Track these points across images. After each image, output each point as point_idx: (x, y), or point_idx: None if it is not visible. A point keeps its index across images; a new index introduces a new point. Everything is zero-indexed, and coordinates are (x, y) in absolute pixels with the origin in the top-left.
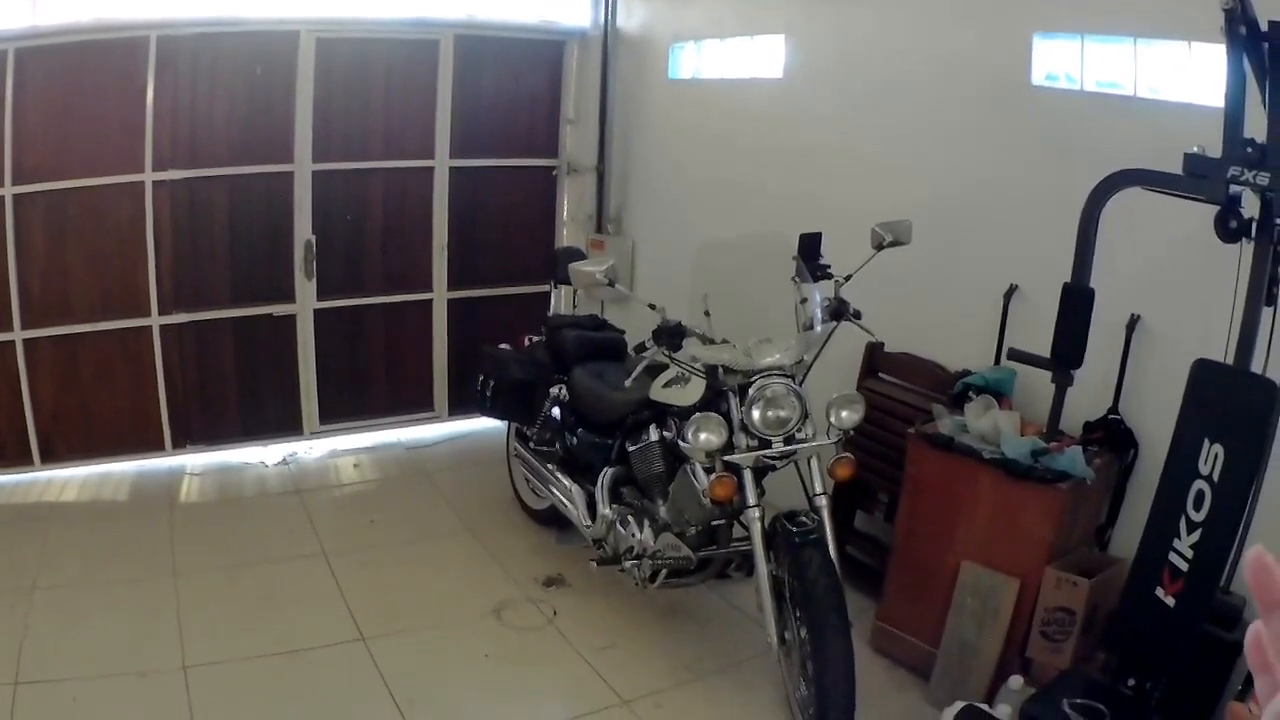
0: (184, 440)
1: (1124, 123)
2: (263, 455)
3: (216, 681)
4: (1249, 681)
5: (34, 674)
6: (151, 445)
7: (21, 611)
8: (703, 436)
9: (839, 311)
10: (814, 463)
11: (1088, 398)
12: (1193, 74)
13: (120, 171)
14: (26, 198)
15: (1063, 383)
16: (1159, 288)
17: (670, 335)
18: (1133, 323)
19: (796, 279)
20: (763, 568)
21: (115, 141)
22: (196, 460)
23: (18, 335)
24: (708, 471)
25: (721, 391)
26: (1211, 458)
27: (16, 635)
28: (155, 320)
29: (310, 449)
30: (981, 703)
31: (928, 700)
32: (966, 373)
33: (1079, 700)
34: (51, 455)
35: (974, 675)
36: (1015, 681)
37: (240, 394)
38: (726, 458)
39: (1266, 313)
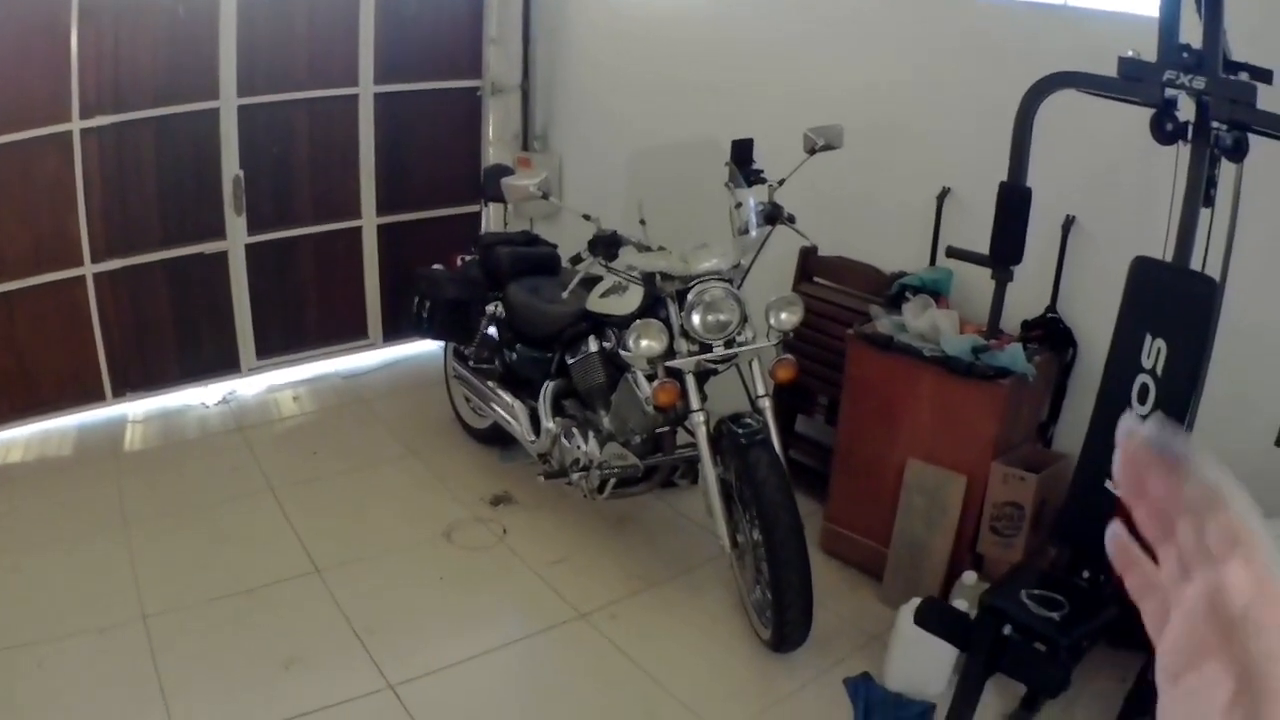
0: (124, 388)
1: (1057, 31)
2: (203, 396)
3: (176, 627)
4: None
5: None
6: (92, 396)
7: None
8: (644, 343)
9: (773, 216)
10: (755, 365)
11: (1026, 297)
12: None
13: (47, 123)
14: None
15: (1002, 280)
16: (1094, 190)
17: (606, 244)
18: (1068, 224)
19: (730, 185)
20: (710, 471)
21: (40, 93)
22: (138, 407)
23: None
24: (650, 379)
25: (660, 299)
26: (1154, 352)
27: None
28: (89, 269)
29: (249, 386)
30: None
31: (881, 599)
32: (902, 274)
33: (1036, 591)
34: None
35: (926, 573)
36: (969, 577)
37: (177, 336)
38: (668, 364)
39: (1204, 213)
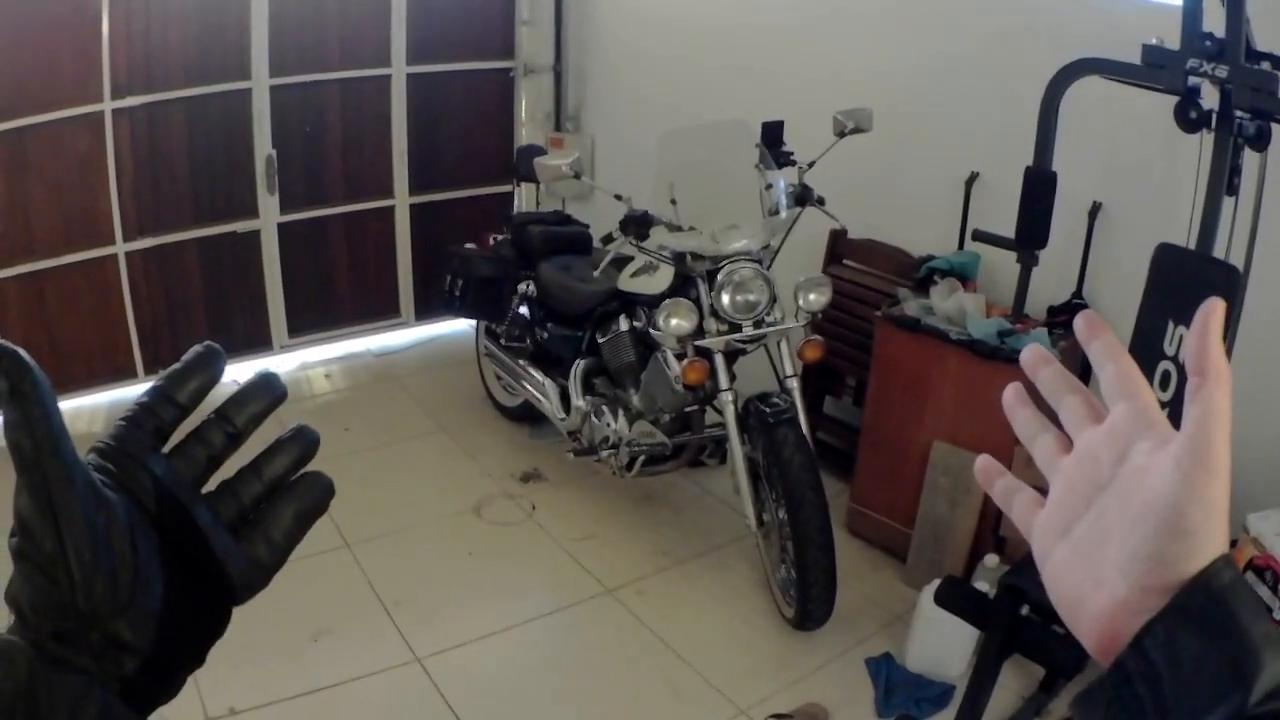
0: (156, 365)
1: (1084, 17)
2: (234, 373)
3: None
4: None
5: None
6: (124, 373)
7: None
8: (674, 322)
9: (803, 197)
10: (783, 345)
11: (1052, 283)
12: None
13: (78, 103)
14: None
15: (1027, 263)
16: (1120, 177)
17: (638, 224)
18: (1095, 210)
19: (761, 166)
20: (738, 449)
21: (71, 73)
22: None
23: None
24: (679, 358)
25: (690, 278)
26: (1176, 339)
27: None
28: (120, 248)
29: (281, 363)
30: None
31: (904, 580)
32: (930, 257)
33: None
34: None
35: (949, 554)
36: (991, 560)
37: (209, 314)
38: (697, 343)
39: (1228, 201)
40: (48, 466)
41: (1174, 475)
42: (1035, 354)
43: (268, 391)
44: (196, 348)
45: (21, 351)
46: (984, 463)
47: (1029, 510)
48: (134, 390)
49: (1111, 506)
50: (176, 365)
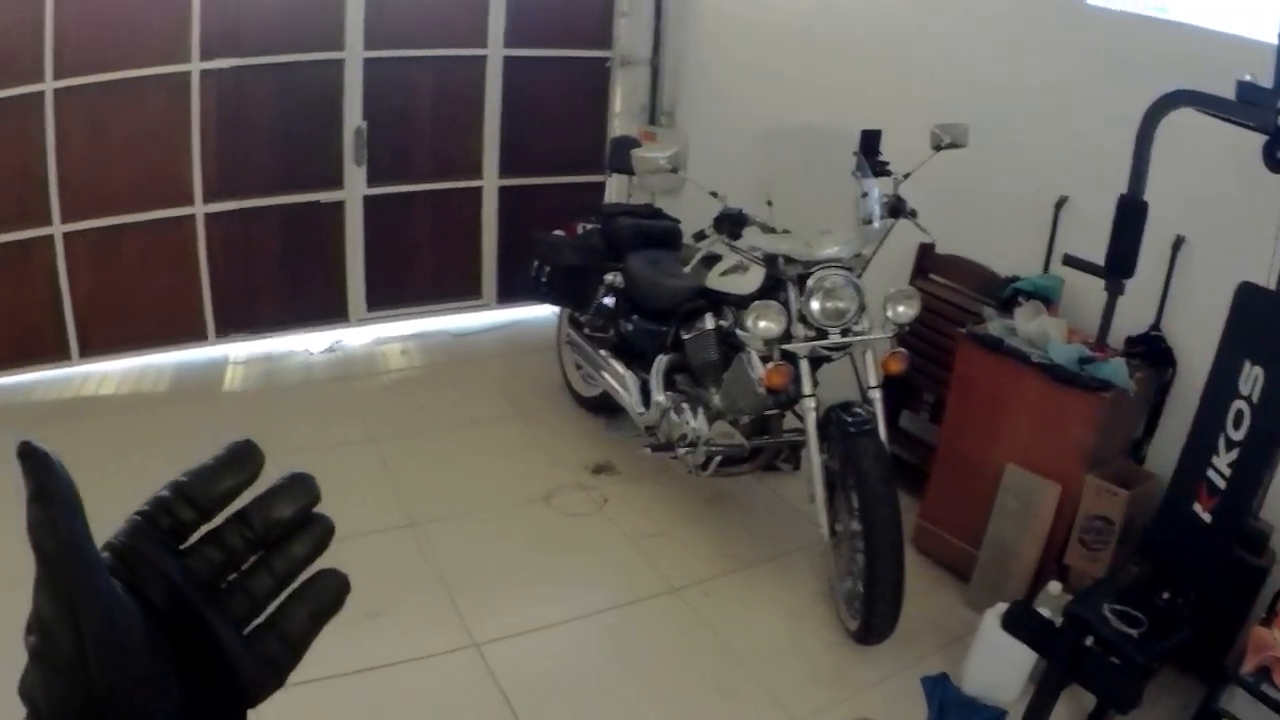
0: (227, 329)
1: (1172, 47)
2: (308, 343)
3: None
4: (1272, 607)
5: None
6: (194, 335)
7: None
8: (762, 324)
9: (897, 209)
10: (868, 356)
11: (1131, 313)
12: (1243, 6)
13: (165, 62)
14: (67, 91)
15: (1115, 291)
16: (1206, 211)
17: (732, 222)
18: (1178, 244)
19: (857, 174)
20: (816, 457)
21: (160, 32)
22: (240, 349)
23: (56, 229)
24: (764, 360)
25: (780, 281)
26: (1252, 379)
27: None
28: (200, 209)
29: (357, 336)
30: None
31: (965, 601)
32: (1016, 278)
33: (1118, 606)
34: (90, 348)
35: (1013, 577)
36: (1054, 587)
37: (286, 281)
38: (783, 347)
39: None
40: (70, 569)
41: None
42: None
43: (299, 495)
44: (232, 444)
45: (49, 451)
46: None
47: None
48: (203, 353)
49: None
50: (207, 462)
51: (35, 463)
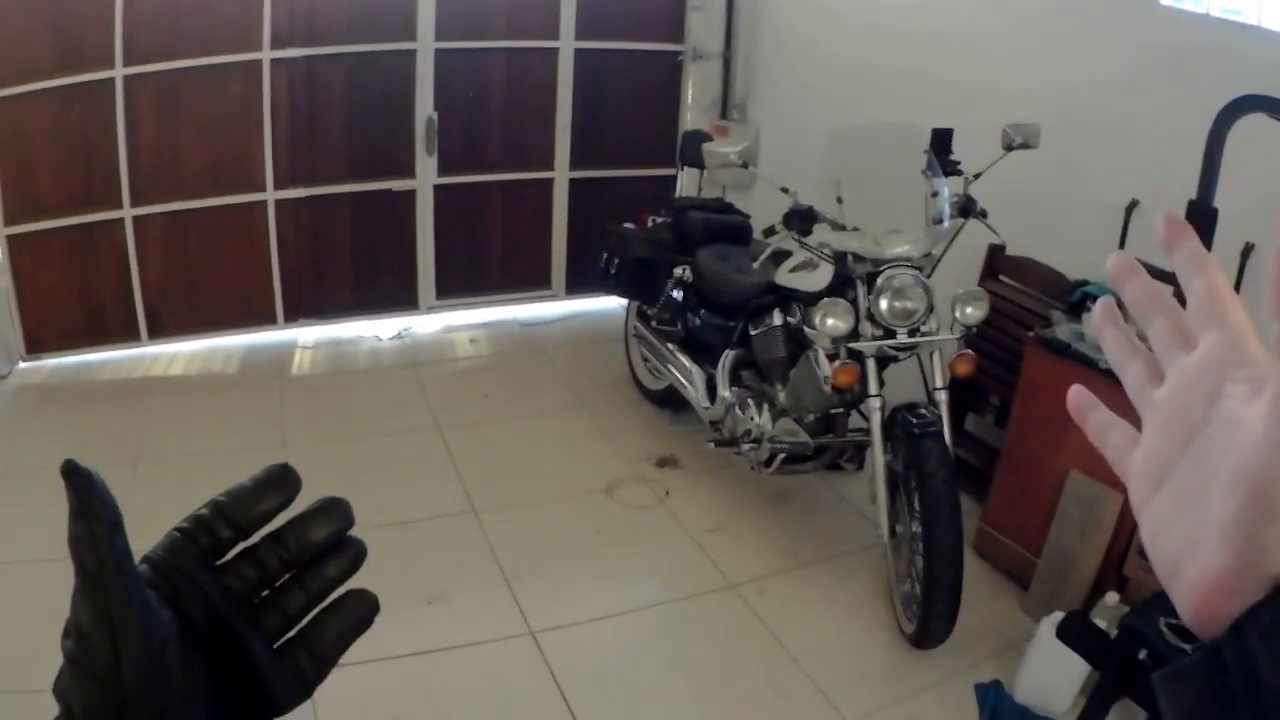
0: (296, 314)
1: (1245, 51)
2: (377, 330)
3: None
4: None
5: (134, 549)
6: (263, 319)
7: (124, 487)
8: (830, 322)
9: (967, 208)
10: (936, 357)
11: None
12: None
13: (238, 50)
14: (138, 78)
15: (1183, 298)
16: (1276, 218)
17: (802, 219)
18: (1247, 250)
19: (927, 172)
20: (880, 457)
21: (233, 20)
22: (309, 334)
23: (127, 213)
24: (831, 358)
25: (849, 279)
26: None
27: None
28: (270, 195)
29: (425, 324)
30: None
31: (1023, 608)
32: (1085, 282)
33: (1174, 620)
34: (159, 330)
35: (1072, 586)
36: (1112, 598)
37: (356, 268)
38: (850, 345)
39: None
40: (109, 583)
41: (1265, 442)
42: (1122, 262)
43: (334, 518)
44: (271, 467)
45: (91, 470)
46: (1076, 393)
47: (1125, 449)
48: (272, 336)
49: (1205, 455)
50: (245, 483)
51: (78, 481)
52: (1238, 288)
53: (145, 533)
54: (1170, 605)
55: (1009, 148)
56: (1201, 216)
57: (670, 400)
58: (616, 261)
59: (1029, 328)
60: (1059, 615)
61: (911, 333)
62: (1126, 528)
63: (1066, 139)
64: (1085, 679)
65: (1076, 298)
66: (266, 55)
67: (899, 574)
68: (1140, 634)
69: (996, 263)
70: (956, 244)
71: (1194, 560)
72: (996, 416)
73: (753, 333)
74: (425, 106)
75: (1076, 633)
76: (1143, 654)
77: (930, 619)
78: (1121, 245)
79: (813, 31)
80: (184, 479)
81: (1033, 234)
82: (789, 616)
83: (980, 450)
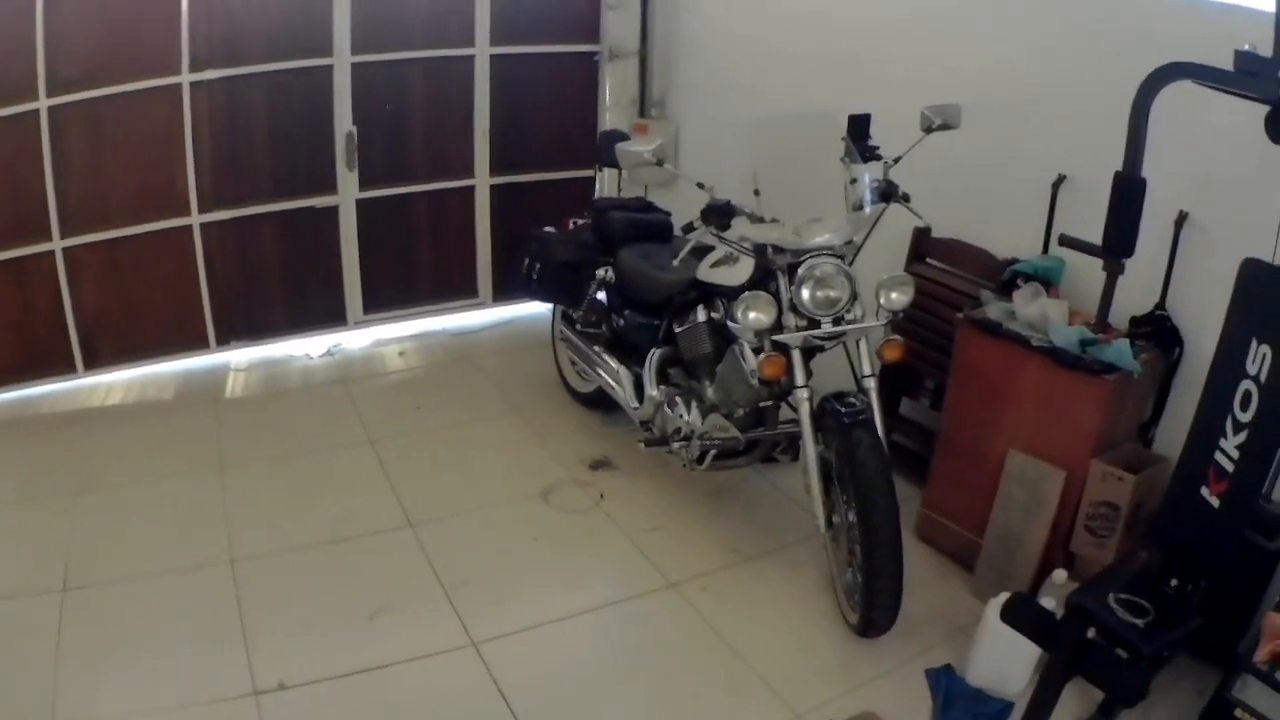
0: (228, 336)
1: (1175, 20)
2: (307, 347)
3: (265, 573)
4: None
5: (82, 579)
6: (195, 343)
7: (67, 518)
8: (752, 315)
9: (888, 193)
10: (862, 344)
11: (1134, 293)
12: None
13: (157, 75)
14: (62, 108)
15: (1114, 271)
16: (1208, 187)
17: (719, 214)
18: (1181, 219)
19: (846, 159)
20: (811, 448)
21: (151, 45)
22: (241, 356)
23: (57, 245)
24: (756, 352)
25: (770, 271)
26: (1259, 358)
27: (63, 542)
28: (196, 219)
29: (355, 339)
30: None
31: (971, 591)
32: (1015, 260)
33: (1124, 595)
34: (94, 360)
35: (1018, 566)
36: (1059, 575)
37: (284, 287)
38: (775, 338)
39: None
40: None
41: None
42: None
43: None
44: None
45: None
46: None
47: None
48: (206, 360)
49: None
50: None
51: None
52: (1171, 257)
53: (95, 562)
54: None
55: (929, 129)
56: (1129, 188)
57: (601, 402)
58: (538, 266)
59: (960, 309)
60: (1006, 597)
61: (836, 321)
62: (1071, 505)
63: (990, 119)
64: (1038, 658)
65: (1007, 277)
66: (186, 79)
67: (840, 564)
68: (1088, 612)
69: (923, 246)
70: (882, 229)
71: None
72: (932, 400)
73: (677, 330)
74: (344, 121)
75: (1021, 614)
76: (1092, 632)
77: (873, 607)
78: (1049, 221)
79: (728, 25)
80: (127, 507)
81: (960, 215)
82: (733, 612)
83: (918, 435)
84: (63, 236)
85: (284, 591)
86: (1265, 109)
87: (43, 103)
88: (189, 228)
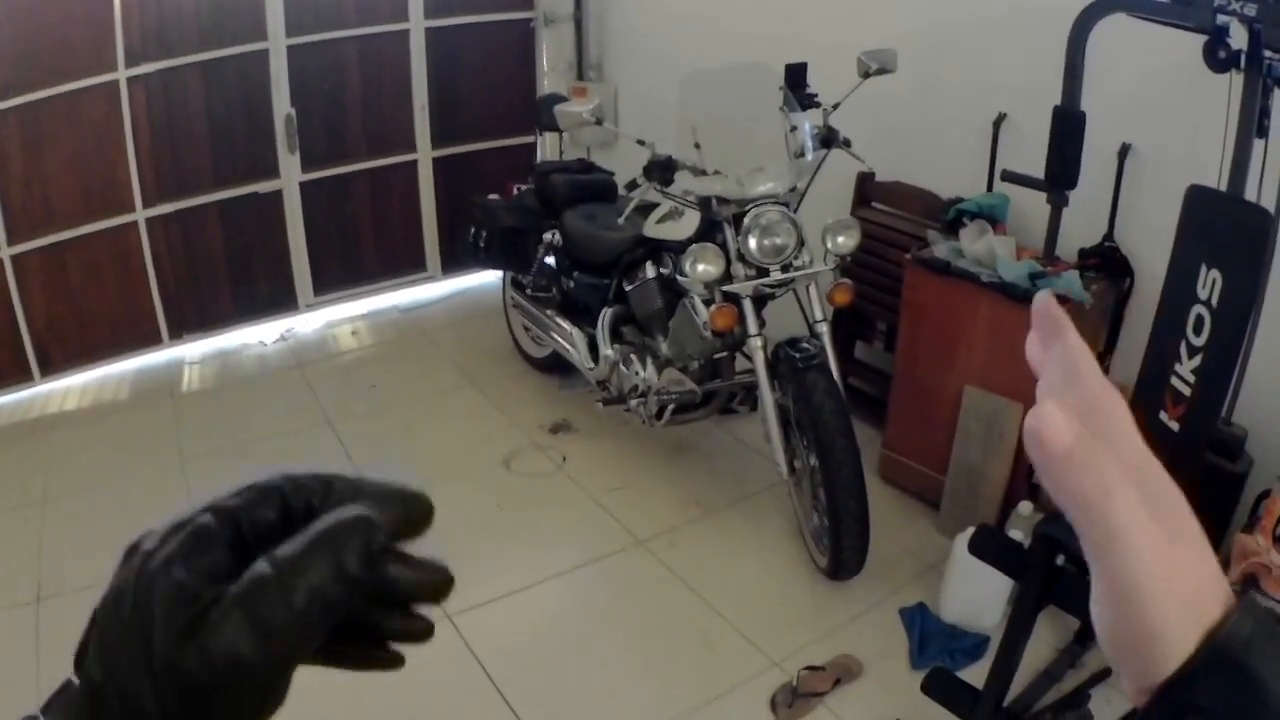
0: (180, 330)
1: None
2: (260, 334)
3: None
4: (1254, 512)
5: (56, 587)
6: (148, 340)
7: (34, 527)
8: (700, 268)
9: (829, 139)
10: (812, 290)
11: (1083, 226)
12: None
13: (92, 73)
14: (1, 114)
15: (1058, 204)
16: (1150, 118)
17: (661, 169)
18: (1124, 151)
19: (785, 108)
20: (768, 396)
21: (84, 43)
22: (195, 349)
23: (5, 252)
24: (707, 303)
25: (716, 223)
26: (1209, 283)
27: (32, 551)
28: (140, 215)
29: (307, 323)
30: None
31: (938, 528)
32: (959, 199)
33: None
34: (50, 366)
35: (983, 501)
36: (1025, 507)
37: (232, 276)
38: (725, 288)
39: (1258, 144)
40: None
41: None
42: (1048, 313)
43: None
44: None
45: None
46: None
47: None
48: (160, 356)
49: None
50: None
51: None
52: (1117, 188)
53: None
54: None
55: (866, 74)
56: (1068, 121)
57: (557, 366)
58: (484, 234)
59: (907, 251)
60: (972, 531)
61: (784, 269)
62: None
63: (927, 60)
64: (1010, 591)
65: (952, 216)
66: (122, 74)
67: (805, 509)
68: (1056, 540)
69: (867, 190)
70: (826, 176)
71: None
72: (886, 342)
73: (628, 288)
74: (283, 105)
75: (988, 546)
76: (1060, 559)
77: (841, 550)
78: (992, 160)
79: None
80: (92, 511)
81: (903, 158)
82: (703, 566)
83: (874, 378)
84: (10, 244)
85: None
86: (1202, 39)
87: None
88: (134, 224)
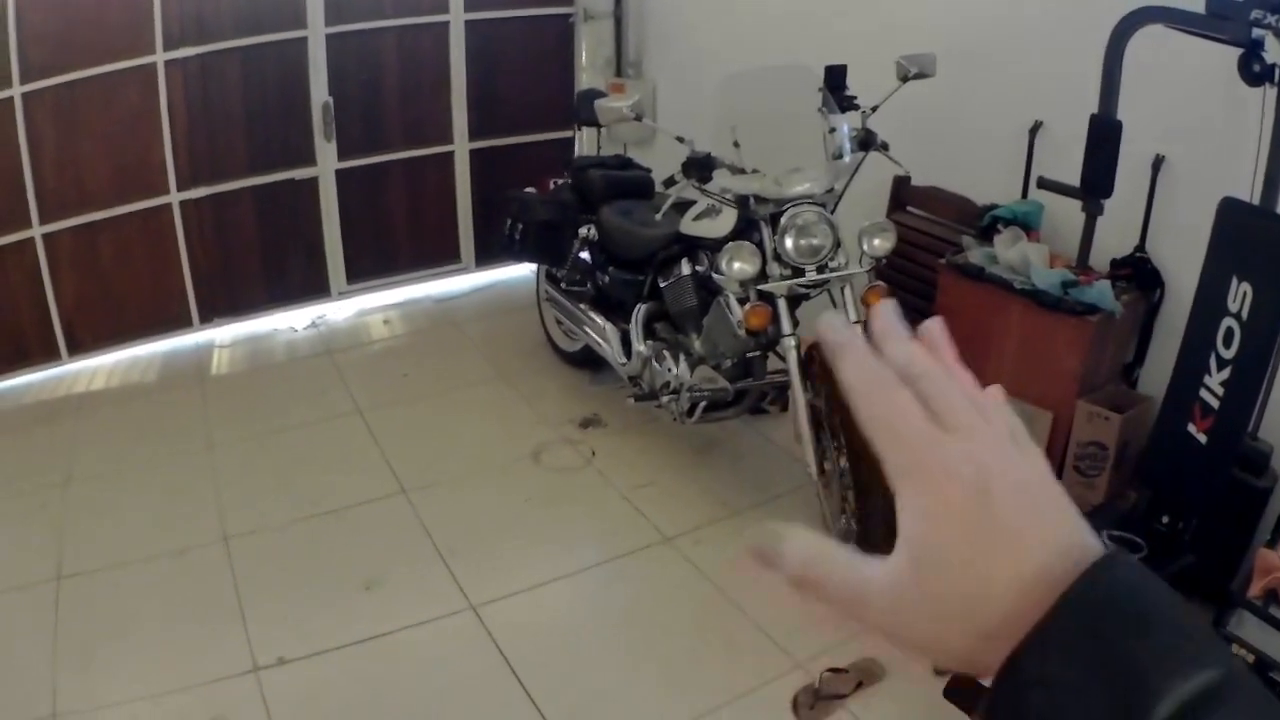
0: (211, 314)
1: None
2: (291, 321)
3: (258, 548)
4: (1278, 528)
5: (76, 566)
6: (179, 322)
7: (57, 506)
8: (736, 266)
9: (867, 142)
10: (847, 291)
11: (1114, 237)
12: None
13: (130, 55)
14: (36, 94)
15: (1093, 212)
16: (1185, 129)
17: (700, 167)
18: (1158, 162)
19: (824, 110)
20: (800, 396)
21: (122, 26)
22: (225, 333)
23: (36, 231)
24: (741, 302)
25: (753, 222)
26: (1240, 295)
27: (55, 530)
28: (175, 197)
29: (339, 310)
30: None
31: None
32: (994, 206)
33: (1115, 532)
34: (78, 346)
35: None
36: None
37: (265, 262)
38: (760, 288)
39: None
40: None
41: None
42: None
43: None
44: None
45: None
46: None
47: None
48: (189, 339)
49: None
50: None
51: None
52: (1150, 199)
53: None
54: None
55: (904, 78)
56: (1105, 130)
57: (588, 361)
58: (520, 227)
59: (941, 256)
60: None
61: (820, 269)
62: (1058, 446)
63: (965, 66)
64: None
65: (987, 222)
66: (160, 58)
67: (833, 511)
68: None
69: (903, 194)
70: (862, 179)
71: None
72: None
73: (662, 284)
74: (320, 93)
75: None
76: None
77: (869, 553)
78: (1028, 167)
79: None
80: (115, 493)
81: (939, 163)
82: (728, 565)
83: None
84: (42, 223)
85: (279, 566)
86: (1238, 52)
87: (16, 90)
88: (168, 206)
